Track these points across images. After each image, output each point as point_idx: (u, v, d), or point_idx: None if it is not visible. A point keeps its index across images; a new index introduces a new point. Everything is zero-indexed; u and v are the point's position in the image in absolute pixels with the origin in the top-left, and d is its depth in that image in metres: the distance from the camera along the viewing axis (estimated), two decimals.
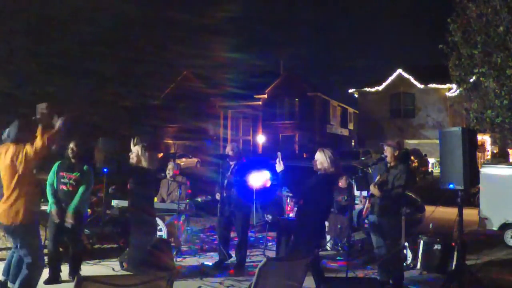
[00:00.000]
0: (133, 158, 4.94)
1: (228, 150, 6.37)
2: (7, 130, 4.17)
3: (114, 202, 7.14)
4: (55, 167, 5.48)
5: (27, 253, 4.01)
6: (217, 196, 6.37)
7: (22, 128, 4.08)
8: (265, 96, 37.08)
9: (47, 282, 5.18)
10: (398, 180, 5.28)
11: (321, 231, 4.82)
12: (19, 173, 3.97)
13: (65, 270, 5.49)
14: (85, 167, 5.52)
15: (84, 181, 5.47)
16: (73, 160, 5.49)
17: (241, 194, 6.23)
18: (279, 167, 4.65)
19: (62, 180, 5.39)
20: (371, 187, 5.45)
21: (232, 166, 6.28)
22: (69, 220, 5.19)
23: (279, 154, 4.72)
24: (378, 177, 5.44)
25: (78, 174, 5.44)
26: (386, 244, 5.35)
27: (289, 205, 7.73)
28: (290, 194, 9.08)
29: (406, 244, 6.39)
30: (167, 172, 7.61)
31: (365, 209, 5.49)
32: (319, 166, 4.69)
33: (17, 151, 3.99)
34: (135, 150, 4.93)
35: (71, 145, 5.52)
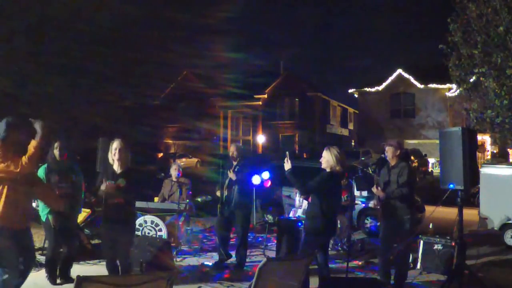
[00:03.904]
0: (116, 154, 4.58)
1: (233, 151, 6.37)
2: None
3: None
4: (42, 171, 5.18)
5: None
6: (217, 193, 6.38)
7: (10, 127, 3.84)
8: (265, 96, 37.07)
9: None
10: (401, 177, 5.28)
11: (330, 228, 4.85)
12: None
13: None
14: (75, 166, 5.41)
15: (80, 180, 5.42)
16: (60, 160, 5.24)
17: (242, 194, 6.23)
18: (287, 165, 4.71)
19: (59, 185, 5.17)
20: (373, 189, 5.45)
21: (234, 166, 6.29)
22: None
23: (287, 153, 4.84)
24: (377, 178, 5.45)
25: (73, 174, 5.33)
26: (392, 245, 5.35)
27: (296, 203, 7.74)
28: (289, 194, 9.09)
29: None
30: (172, 172, 7.60)
31: (379, 214, 5.48)
32: (325, 165, 4.77)
33: None
34: (118, 145, 4.59)
35: (57, 144, 5.23)
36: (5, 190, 3.85)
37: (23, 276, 3.96)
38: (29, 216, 4.12)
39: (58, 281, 5.32)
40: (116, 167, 4.59)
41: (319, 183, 4.70)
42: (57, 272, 5.36)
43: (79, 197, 5.49)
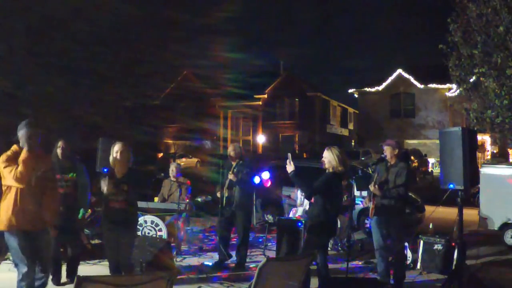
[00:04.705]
0: (118, 156, 4.54)
1: (230, 151, 6.38)
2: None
3: None
4: None
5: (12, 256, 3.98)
6: (218, 194, 6.39)
7: (31, 136, 3.95)
8: (265, 96, 37.06)
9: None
10: (399, 178, 5.28)
11: (332, 228, 4.87)
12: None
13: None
14: (78, 165, 5.40)
15: (83, 180, 5.41)
16: (61, 159, 5.24)
17: (242, 194, 6.23)
18: (290, 167, 4.69)
19: (59, 183, 5.08)
20: (371, 187, 5.45)
21: (233, 166, 6.29)
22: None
23: (289, 155, 4.79)
24: (375, 175, 5.45)
25: (75, 174, 5.32)
26: (388, 244, 5.35)
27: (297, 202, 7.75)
28: (289, 194, 9.08)
29: (406, 244, 6.40)
30: (171, 172, 7.60)
31: (370, 210, 5.50)
32: (327, 165, 4.77)
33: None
34: (119, 147, 4.56)
35: (60, 143, 5.24)
36: (16, 191, 3.91)
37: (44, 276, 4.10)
38: (42, 219, 4.09)
39: (63, 280, 5.33)
40: (117, 169, 4.58)
41: (324, 184, 4.70)
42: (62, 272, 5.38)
43: (80, 197, 5.47)
